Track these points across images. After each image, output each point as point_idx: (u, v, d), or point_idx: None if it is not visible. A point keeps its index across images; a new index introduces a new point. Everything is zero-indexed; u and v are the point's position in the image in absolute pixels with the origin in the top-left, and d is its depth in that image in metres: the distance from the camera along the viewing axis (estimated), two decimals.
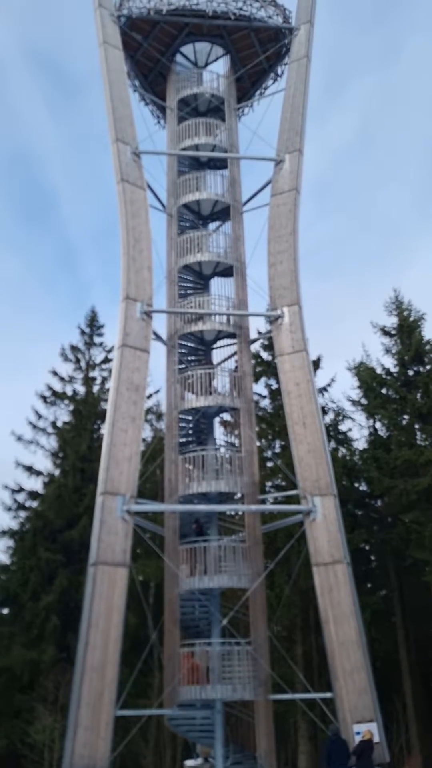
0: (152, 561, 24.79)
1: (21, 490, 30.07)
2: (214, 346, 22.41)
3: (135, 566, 22.82)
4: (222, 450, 21.48)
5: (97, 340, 33.90)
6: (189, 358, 22.30)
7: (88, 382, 32.78)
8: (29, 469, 30.40)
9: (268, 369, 29.30)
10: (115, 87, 22.69)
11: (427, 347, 28.21)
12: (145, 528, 19.15)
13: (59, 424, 31.55)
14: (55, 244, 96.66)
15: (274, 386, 28.86)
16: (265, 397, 29.80)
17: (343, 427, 29.75)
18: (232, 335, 21.70)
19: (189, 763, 20.49)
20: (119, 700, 16.55)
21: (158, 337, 21.37)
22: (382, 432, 28.69)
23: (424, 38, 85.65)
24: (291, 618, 26.04)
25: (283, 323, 20.58)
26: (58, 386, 32.32)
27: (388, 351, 29.23)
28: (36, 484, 30.42)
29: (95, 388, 32.62)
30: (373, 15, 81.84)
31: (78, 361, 33.23)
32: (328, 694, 17.49)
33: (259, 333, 26.70)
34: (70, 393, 32.28)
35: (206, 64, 25.27)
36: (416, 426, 27.31)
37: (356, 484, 28.20)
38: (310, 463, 18.90)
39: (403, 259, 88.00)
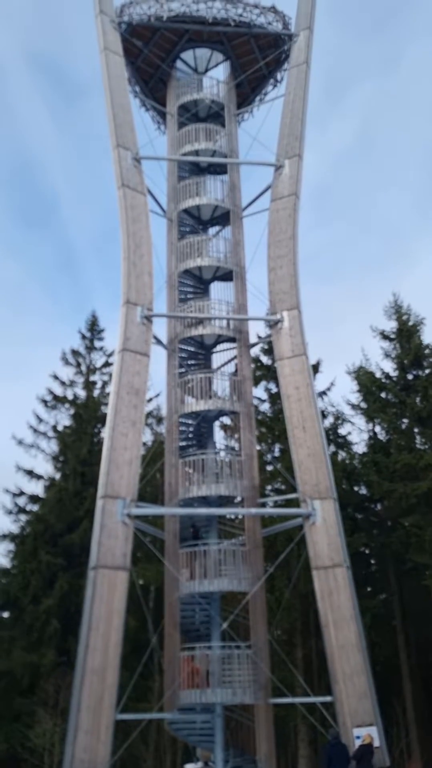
0: (152, 565, 24.82)
1: (22, 493, 30.15)
2: (214, 350, 22.48)
3: (135, 570, 22.85)
4: (222, 454, 21.58)
5: (97, 344, 34.07)
6: (189, 362, 22.38)
7: (89, 386, 32.87)
8: (30, 473, 30.49)
9: (268, 373, 29.36)
10: (115, 93, 22.83)
11: (427, 351, 28.26)
12: (145, 531, 19.18)
13: (60, 427, 31.66)
14: (56, 248, 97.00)
15: (274, 390, 28.92)
16: (264, 400, 29.88)
17: (342, 431, 29.82)
18: (231, 339, 21.78)
19: (189, 767, 20.51)
20: (119, 704, 16.57)
21: (158, 341, 21.46)
22: (382, 436, 28.74)
23: (424, 45, 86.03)
24: (291, 622, 26.03)
25: (283, 327, 20.65)
26: (58, 390, 32.47)
27: (387, 355, 29.30)
28: (37, 488, 30.57)
29: (96, 392, 32.71)
30: (373, 21, 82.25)
31: (79, 365, 33.33)
32: (328, 698, 17.49)
33: (259, 337, 26.66)
34: (70, 397, 32.38)
35: (206, 70, 25.42)
36: (416, 430, 27.35)
37: (356, 488, 28.23)
38: (310, 467, 18.95)
39: (403, 264, 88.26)
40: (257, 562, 19.19)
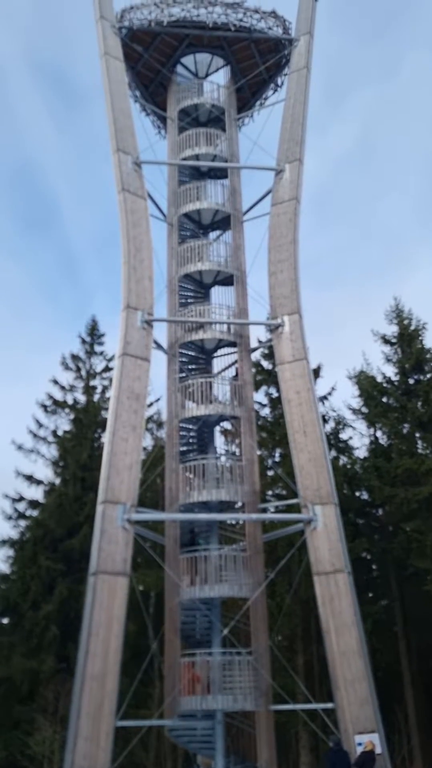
0: (153, 570, 24.71)
1: (21, 499, 30.06)
2: (215, 354, 22.45)
3: (135, 575, 22.76)
4: (222, 459, 21.47)
5: (97, 349, 34.02)
6: (189, 366, 22.34)
7: (89, 390, 32.81)
8: (30, 478, 30.39)
9: (269, 378, 29.32)
10: (116, 97, 22.84)
11: (428, 356, 28.24)
12: (145, 537, 19.12)
13: (60, 433, 31.58)
14: (56, 253, 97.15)
15: (275, 395, 28.87)
16: (265, 405, 29.83)
17: (343, 436, 29.75)
18: (232, 344, 21.74)
19: None
20: (119, 711, 16.45)
21: (159, 346, 21.42)
22: (383, 441, 28.69)
23: (425, 50, 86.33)
24: (292, 628, 25.93)
25: (284, 332, 20.60)
26: (58, 395, 32.40)
27: (388, 360, 29.27)
28: (36, 493, 30.47)
29: (96, 397, 32.66)
30: (374, 27, 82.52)
31: (79, 369, 33.28)
32: (329, 705, 17.40)
33: (260, 342, 26.73)
34: (70, 402, 32.32)
35: (207, 75, 25.47)
36: (417, 435, 27.29)
37: (357, 493, 28.15)
38: (311, 472, 18.88)
39: (404, 268, 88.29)
40: (258, 568, 19.10)
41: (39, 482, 30.47)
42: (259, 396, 29.41)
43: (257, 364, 29.41)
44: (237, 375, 21.52)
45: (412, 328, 29.20)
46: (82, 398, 32.55)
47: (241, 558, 18.82)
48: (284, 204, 22.20)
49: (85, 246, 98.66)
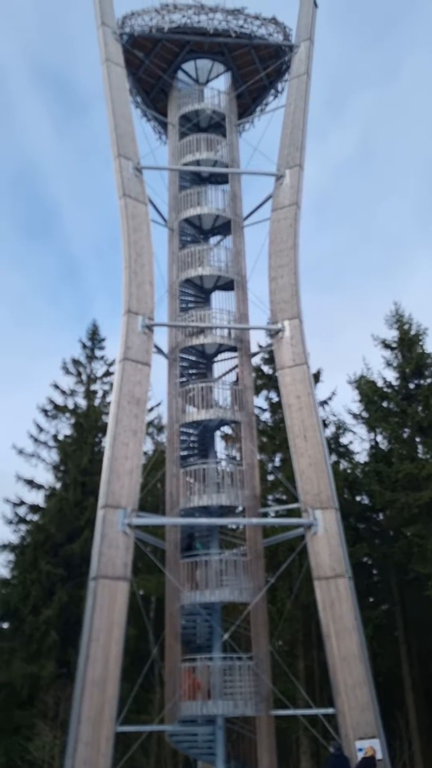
0: (153, 575, 24.70)
1: (22, 503, 30.05)
2: (215, 359, 22.45)
3: (136, 580, 22.74)
4: (223, 463, 21.48)
5: (98, 353, 34.09)
6: (190, 371, 22.36)
7: (90, 395, 32.84)
8: (30, 483, 30.40)
9: (269, 382, 29.35)
10: (117, 103, 22.94)
11: (428, 360, 28.26)
12: (146, 541, 19.10)
13: (60, 437, 31.60)
14: (57, 258, 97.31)
15: (275, 399, 28.89)
16: (265, 410, 29.85)
17: (344, 441, 29.79)
18: (233, 349, 21.76)
19: None
20: (120, 716, 16.42)
21: (159, 351, 21.46)
22: (384, 445, 28.69)
23: (424, 55, 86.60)
24: (292, 633, 25.89)
25: (284, 337, 20.63)
26: (59, 399, 32.44)
27: (389, 364, 29.30)
28: (37, 498, 30.45)
29: (96, 402, 32.67)
30: (374, 32, 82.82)
31: (79, 374, 33.33)
32: (330, 710, 17.33)
33: (260, 346, 26.71)
34: (71, 406, 32.34)
35: (207, 81, 25.54)
36: (417, 439, 27.30)
37: (358, 498, 28.15)
38: (311, 477, 18.87)
39: (404, 273, 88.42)
40: (258, 573, 19.08)
41: (40, 487, 30.48)
42: (260, 401, 29.49)
43: (257, 369, 29.45)
44: (237, 380, 21.54)
45: (413, 332, 29.24)
46: (82, 403, 32.59)
47: (241, 563, 18.80)
48: (284, 209, 22.26)
49: (85, 251, 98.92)
